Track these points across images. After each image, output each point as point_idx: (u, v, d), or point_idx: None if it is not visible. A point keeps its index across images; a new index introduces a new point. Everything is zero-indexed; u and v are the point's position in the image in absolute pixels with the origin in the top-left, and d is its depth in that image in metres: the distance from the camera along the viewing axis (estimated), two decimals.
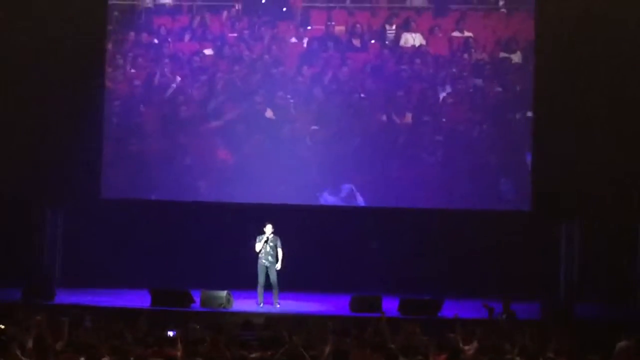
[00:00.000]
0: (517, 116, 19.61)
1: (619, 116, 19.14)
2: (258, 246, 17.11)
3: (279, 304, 17.31)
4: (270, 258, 17.13)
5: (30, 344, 11.24)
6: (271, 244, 17.10)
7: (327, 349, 11.44)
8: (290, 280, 17.48)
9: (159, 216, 19.98)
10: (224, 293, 17.04)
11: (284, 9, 19.97)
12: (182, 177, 19.89)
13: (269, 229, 17.11)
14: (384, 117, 19.82)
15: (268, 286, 17.34)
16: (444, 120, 19.69)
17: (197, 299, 16.95)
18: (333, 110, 19.80)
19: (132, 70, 20.08)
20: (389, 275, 19.35)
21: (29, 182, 19.43)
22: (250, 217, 19.25)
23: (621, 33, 19.13)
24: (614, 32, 19.13)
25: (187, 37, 20.13)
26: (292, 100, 19.84)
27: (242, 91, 19.89)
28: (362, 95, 19.80)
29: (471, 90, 19.68)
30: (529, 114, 19.55)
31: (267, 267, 17.14)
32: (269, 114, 19.86)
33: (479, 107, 19.67)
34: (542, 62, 19.44)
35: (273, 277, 17.16)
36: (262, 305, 17.19)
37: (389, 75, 19.87)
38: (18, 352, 10.46)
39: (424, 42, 19.77)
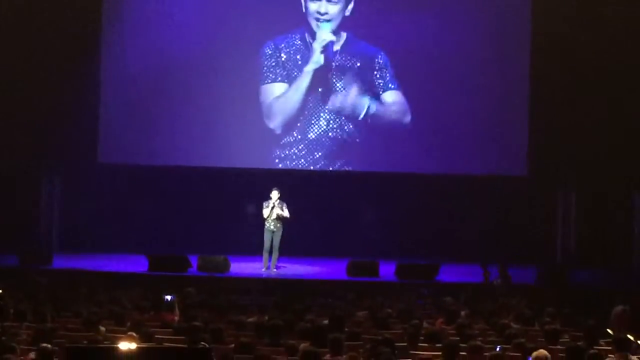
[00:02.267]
0: (515, 81, 19.53)
1: (616, 82, 19.07)
2: (265, 212, 17.10)
3: (276, 268, 17.35)
4: (276, 223, 17.12)
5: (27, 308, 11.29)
6: (277, 209, 17.09)
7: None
8: (288, 245, 17.51)
9: (157, 181, 19.96)
10: (221, 258, 17.07)
11: None
12: (180, 142, 19.81)
13: (275, 194, 17.11)
14: None
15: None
16: (440, 84, 19.60)
17: (195, 264, 16.98)
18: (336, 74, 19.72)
19: (130, 33, 19.92)
20: (386, 241, 19.40)
21: (25, 147, 19.38)
22: (248, 183, 19.30)
23: None
24: None
25: (186, 2, 19.97)
26: (297, 65, 19.70)
27: (243, 55, 19.74)
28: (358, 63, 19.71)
29: (469, 53, 19.58)
30: (527, 79, 19.47)
31: (272, 232, 17.15)
32: (276, 90, 19.78)
33: (476, 72, 19.58)
34: (538, 26, 19.35)
35: (276, 242, 17.17)
36: (265, 269, 17.23)
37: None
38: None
39: None
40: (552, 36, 19.15)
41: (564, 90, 19.25)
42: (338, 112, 19.66)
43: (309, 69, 19.53)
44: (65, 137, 19.55)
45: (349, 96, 19.59)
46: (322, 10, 19.42)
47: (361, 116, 19.53)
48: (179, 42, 19.74)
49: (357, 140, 19.68)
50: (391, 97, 19.67)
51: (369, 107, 19.55)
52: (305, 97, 19.64)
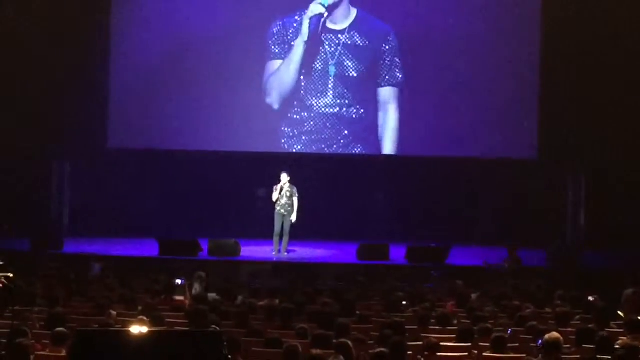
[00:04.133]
0: (525, 65, 19.47)
1: (627, 64, 19.01)
2: (275, 195, 17.05)
3: (287, 251, 17.36)
4: (287, 207, 17.11)
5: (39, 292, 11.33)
6: (287, 193, 17.07)
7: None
8: (299, 228, 17.50)
9: (167, 165, 19.98)
10: (232, 241, 17.09)
11: None
12: (189, 126, 19.83)
13: (284, 178, 17.06)
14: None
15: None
16: (451, 66, 19.55)
17: (205, 248, 17.00)
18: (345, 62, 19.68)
19: (139, 18, 19.91)
20: (397, 224, 19.39)
21: (36, 133, 19.42)
22: (258, 166, 19.30)
23: None
24: None
25: None
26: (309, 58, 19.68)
27: (251, 37, 19.70)
28: (367, 41, 19.66)
29: (480, 36, 19.51)
30: (537, 62, 19.41)
31: (283, 216, 17.14)
32: (275, 66, 19.74)
33: (487, 56, 19.52)
34: (549, 11, 19.27)
35: (287, 226, 17.14)
36: (276, 253, 17.24)
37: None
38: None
39: None
40: (563, 21, 19.11)
41: (574, 73, 19.18)
42: (346, 93, 19.63)
43: (299, 41, 19.49)
44: (75, 122, 19.57)
45: (359, 76, 19.56)
46: None
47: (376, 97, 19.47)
48: (187, 27, 19.74)
49: (367, 122, 19.65)
50: (401, 78, 19.61)
51: (378, 87, 19.53)
52: (306, 72, 19.57)
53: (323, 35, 19.51)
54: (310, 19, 19.38)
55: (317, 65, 19.65)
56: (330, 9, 19.47)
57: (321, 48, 19.57)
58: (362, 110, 19.63)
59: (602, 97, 19.01)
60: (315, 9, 19.37)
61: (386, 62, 19.60)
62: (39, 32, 19.38)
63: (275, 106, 19.68)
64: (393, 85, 19.61)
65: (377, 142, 19.73)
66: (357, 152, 19.74)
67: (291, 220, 17.06)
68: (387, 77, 19.61)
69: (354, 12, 19.59)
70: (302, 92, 19.71)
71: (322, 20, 19.43)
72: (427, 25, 19.54)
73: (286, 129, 19.75)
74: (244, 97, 19.71)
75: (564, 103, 19.23)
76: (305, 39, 19.44)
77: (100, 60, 19.79)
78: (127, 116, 19.92)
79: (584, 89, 19.11)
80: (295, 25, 19.67)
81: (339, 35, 19.60)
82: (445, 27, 19.51)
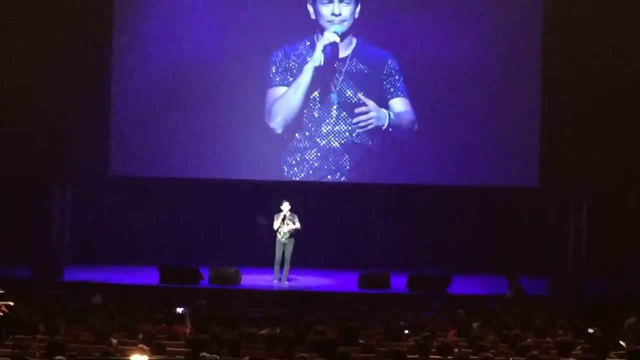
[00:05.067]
0: (527, 92, 19.50)
1: (627, 90, 19.06)
2: (276, 224, 17.12)
3: (288, 280, 17.34)
4: (287, 235, 17.15)
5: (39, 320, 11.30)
6: (288, 221, 17.11)
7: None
8: (300, 257, 17.50)
9: (168, 193, 19.98)
10: (232, 270, 17.08)
11: None
12: (190, 154, 19.83)
13: (286, 206, 17.12)
14: None
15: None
16: (451, 94, 19.58)
17: (206, 276, 16.98)
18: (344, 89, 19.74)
19: (141, 47, 19.96)
20: (397, 252, 19.37)
21: (37, 160, 19.43)
22: (259, 195, 19.31)
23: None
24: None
25: (195, 15, 19.98)
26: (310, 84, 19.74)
27: (252, 67, 19.77)
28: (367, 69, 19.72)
29: (480, 63, 19.57)
30: (538, 89, 19.44)
31: (284, 244, 17.16)
32: (280, 91, 19.81)
33: (487, 82, 19.56)
34: (549, 39, 19.34)
35: (287, 254, 17.18)
36: (277, 282, 17.23)
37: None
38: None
39: None
40: (564, 48, 19.13)
41: (575, 101, 19.19)
42: (349, 121, 19.66)
43: (309, 66, 19.56)
44: (76, 150, 19.59)
45: (361, 104, 19.60)
46: (337, 12, 19.48)
47: (384, 126, 19.52)
48: (189, 56, 19.77)
49: (367, 150, 19.67)
50: (401, 105, 19.65)
51: (389, 117, 19.58)
52: (309, 99, 19.63)
53: (328, 63, 19.56)
54: (325, 46, 19.46)
55: (320, 94, 19.70)
56: (340, 38, 19.57)
57: (324, 76, 19.63)
58: (364, 138, 19.65)
59: (603, 124, 19.02)
60: (330, 37, 19.45)
61: (387, 87, 19.64)
62: (41, 59, 19.41)
63: (279, 131, 19.71)
64: (392, 113, 19.62)
65: (378, 170, 19.73)
66: (358, 180, 19.74)
67: (292, 248, 17.08)
68: (386, 105, 19.64)
69: (354, 41, 19.68)
70: (304, 119, 19.75)
71: (335, 49, 19.50)
72: (426, 53, 19.57)
73: (288, 157, 19.77)
74: (245, 125, 19.73)
75: (565, 130, 19.23)
76: (317, 64, 19.49)
77: (102, 87, 19.82)
78: (129, 143, 19.93)
79: (585, 117, 19.12)
80: (297, 53, 19.73)
81: (341, 64, 19.67)
82: (446, 55, 19.53)
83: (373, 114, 19.53)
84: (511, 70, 19.53)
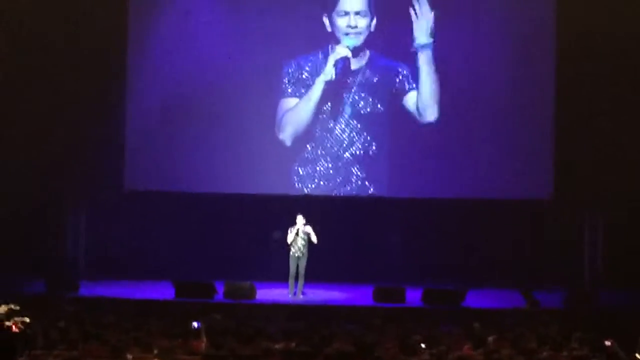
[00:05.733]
0: (540, 104, 19.47)
1: None
2: (290, 237, 17.15)
3: (302, 294, 17.34)
4: (302, 249, 17.17)
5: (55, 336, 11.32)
6: (303, 235, 17.13)
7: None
8: (314, 271, 17.50)
9: (182, 208, 20.02)
10: (247, 284, 17.08)
11: None
12: (205, 168, 19.87)
13: (300, 220, 17.15)
14: None
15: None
16: (464, 106, 19.57)
17: (221, 291, 16.99)
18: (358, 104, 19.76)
19: (155, 62, 20.03)
20: (412, 266, 19.35)
21: (52, 175, 19.52)
22: (273, 209, 19.32)
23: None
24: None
25: (208, 27, 20.04)
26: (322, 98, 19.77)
27: (266, 79, 19.81)
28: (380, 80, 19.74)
29: (493, 75, 19.55)
30: (552, 101, 19.41)
31: (298, 258, 17.18)
32: (291, 103, 19.85)
33: (500, 95, 19.53)
34: (563, 51, 19.31)
35: (302, 268, 17.20)
36: (292, 296, 17.24)
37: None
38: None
39: None
40: (578, 59, 19.10)
41: (589, 112, 19.16)
42: (362, 133, 19.68)
43: (320, 80, 19.62)
44: (91, 165, 19.67)
45: (374, 116, 19.61)
46: (352, 24, 19.53)
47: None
48: (202, 70, 19.84)
49: (380, 162, 19.67)
50: (414, 96, 19.63)
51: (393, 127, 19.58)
52: (320, 111, 19.67)
53: (340, 77, 19.61)
54: (336, 61, 19.50)
55: (332, 106, 19.73)
56: (354, 51, 19.60)
57: (336, 89, 19.66)
58: (378, 151, 19.66)
59: (618, 136, 18.98)
60: (342, 51, 19.49)
61: (400, 89, 19.65)
62: (55, 75, 19.50)
63: (288, 143, 19.75)
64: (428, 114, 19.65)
65: (393, 183, 19.73)
66: (372, 193, 19.73)
67: (306, 261, 17.10)
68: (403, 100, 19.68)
69: (367, 53, 19.71)
70: (317, 131, 19.78)
71: (347, 63, 19.55)
72: (440, 65, 19.56)
73: (300, 169, 19.79)
74: (258, 137, 19.76)
75: (579, 142, 19.20)
76: (328, 78, 19.55)
77: (116, 103, 19.89)
78: (143, 158, 19.98)
79: (599, 129, 19.09)
80: (310, 64, 19.77)
81: (354, 76, 19.69)
82: (459, 68, 19.53)
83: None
84: (525, 82, 19.47)
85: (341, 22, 19.61)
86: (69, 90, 19.54)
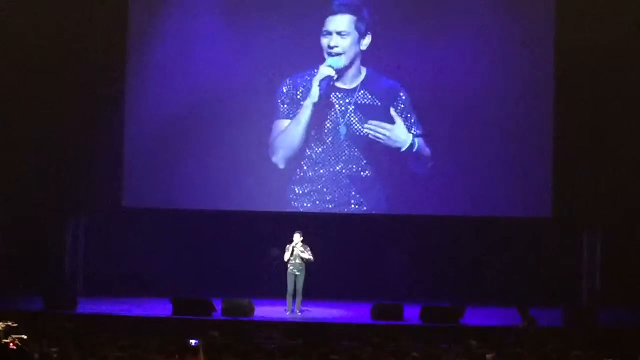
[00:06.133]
0: (539, 121, 19.48)
1: None
2: (287, 255, 17.16)
3: (301, 311, 17.33)
4: (299, 267, 17.16)
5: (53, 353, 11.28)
6: (300, 253, 17.13)
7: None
8: (312, 288, 17.49)
9: (181, 225, 20.02)
10: (245, 301, 17.06)
11: None
12: (203, 185, 19.88)
13: (297, 237, 17.16)
14: None
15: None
16: (462, 124, 19.58)
17: (219, 308, 16.97)
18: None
19: (154, 78, 20.07)
20: (410, 284, 19.34)
21: (51, 191, 19.54)
22: (271, 226, 19.34)
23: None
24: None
25: (207, 46, 20.08)
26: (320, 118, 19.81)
27: (263, 97, 19.85)
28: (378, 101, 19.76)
29: (491, 92, 19.57)
30: (551, 119, 19.41)
31: (296, 276, 17.18)
32: (284, 125, 19.87)
33: (499, 112, 19.54)
34: (562, 66, 19.35)
35: (299, 286, 17.20)
36: (290, 313, 17.22)
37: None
38: None
39: None
40: (577, 76, 19.14)
41: (588, 131, 19.20)
42: (357, 153, 19.68)
43: (308, 102, 19.63)
44: (89, 182, 19.68)
45: (370, 136, 19.62)
46: (332, 44, 19.56)
47: (403, 149, 19.51)
48: (199, 87, 19.90)
49: (378, 182, 19.68)
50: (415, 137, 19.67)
51: (411, 144, 19.57)
52: (314, 131, 19.68)
53: (333, 94, 19.65)
54: (320, 81, 19.53)
55: (328, 125, 19.75)
56: (342, 71, 19.63)
57: (332, 108, 19.69)
58: (374, 170, 19.66)
59: (616, 154, 19.02)
60: (325, 71, 19.53)
61: (387, 128, 19.65)
62: (55, 94, 19.54)
63: (281, 166, 19.77)
64: (407, 145, 19.63)
65: (389, 201, 19.72)
66: (369, 212, 19.72)
67: (304, 279, 17.09)
68: (396, 141, 19.65)
69: (364, 72, 19.73)
70: (311, 151, 19.77)
71: (331, 83, 19.57)
72: (439, 83, 19.57)
73: (297, 189, 19.79)
74: (255, 156, 19.80)
75: (578, 161, 19.22)
76: (315, 100, 19.59)
77: (115, 119, 19.91)
78: (142, 176, 20.00)
79: (598, 147, 19.13)
80: (305, 84, 19.81)
81: (350, 95, 19.72)
82: (458, 85, 19.53)
83: (387, 132, 19.50)
84: (524, 99, 19.48)
85: (324, 42, 19.65)
86: (68, 107, 19.56)
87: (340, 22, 19.67)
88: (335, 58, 19.58)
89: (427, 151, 19.59)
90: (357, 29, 19.63)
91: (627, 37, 18.87)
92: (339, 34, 19.62)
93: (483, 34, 19.64)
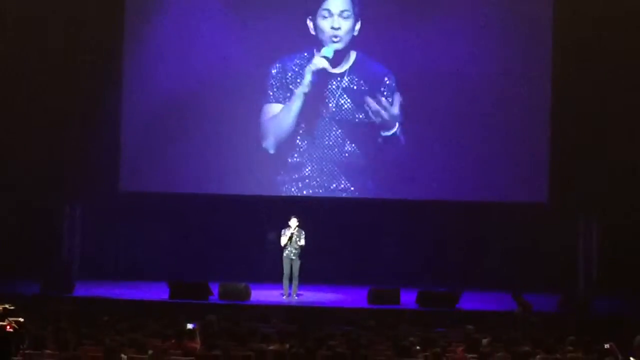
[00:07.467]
0: (535, 107, 19.47)
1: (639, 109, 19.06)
2: (283, 240, 17.16)
3: (297, 295, 17.36)
4: (295, 251, 17.18)
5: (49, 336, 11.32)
6: (296, 237, 17.15)
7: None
8: (309, 273, 17.51)
9: (177, 209, 20.04)
10: (242, 285, 17.09)
11: None
12: (199, 169, 19.89)
13: (294, 222, 17.16)
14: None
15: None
16: (457, 109, 19.56)
17: (216, 292, 17.00)
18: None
19: (150, 64, 20.06)
20: (407, 268, 19.37)
21: (48, 175, 19.53)
22: (267, 211, 19.35)
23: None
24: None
25: (201, 32, 20.05)
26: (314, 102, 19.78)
27: (255, 80, 19.84)
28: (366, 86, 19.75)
29: (488, 77, 19.55)
30: (548, 104, 19.41)
31: (292, 260, 17.19)
32: (274, 109, 19.87)
33: (496, 98, 19.54)
34: (559, 51, 19.34)
35: (295, 270, 17.21)
36: (286, 297, 17.25)
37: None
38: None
39: None
40: (574, 63, 19.14)
41: (584, 116, 19.20)
42: (346, 137, 19.68)
43: (299, 92, 19.63)
44: (86, 166, 19.69)
45: (359, 119, 19.61)
46: (336, 25, 19.50)
47: (391, 132, 19.50)
48: (197, 71, 19.91)
49: (369, 165, 19.68)
50: (402, 120, 19.61)
51: (380, 130, 19.53)
52: (303, 116, 19.65)
53: (320, 85, 19.62)
54: (313, 72, 19.49)
55: (317, 109, 19.72)
56: (334, 56, 19.58)
57: (320, 92, 19.66)
58: (365, 154, 19.66)
59: (614, 140, 19.03)
60: (319, 62, 19.49)
61: (386, 105, 19.62)
62: (51, 78, 19.53)
63: (271, 151, 19.79)
64: (394, 128, 19.61)
65: (382, 185, 19.73)
66: (364, 196, 19.73)
67: (300, 263, 17.10)
68: (388, 120, 19.63)
69: (352, 55, 19.69)
70: (301, 136, 19.77)
71: (325, 73, 19.56)
72: (429, 66, 19.53)
73: (287, 173, 19.81)
74: (248, 140, 19.81)
75: (574, 146, 19.23)
76: (306, 90, 19.57)
77: (111, 104, 19.90)
78: (138, 160, 20.02)
79: (595, 132, 19.14)
80: (296, 68, 19.76)
81: (338, 79, 19.69)
82: (451, 68, 19.48)
83: (384, 111, 19.47)
84: (520, 84, 19.48)
85: (324, 24, 19.58)
86: (65, 93, 19.56)
87: (340, 2, 19.61)
88: (330, 47, 19.50)
89: (419, 135, 19.57)
90: (353, 11, 19.61)
91: (628, 23, 18.88)
92: (341, 14, 19.56)
93: (482, 17, 19.57)
